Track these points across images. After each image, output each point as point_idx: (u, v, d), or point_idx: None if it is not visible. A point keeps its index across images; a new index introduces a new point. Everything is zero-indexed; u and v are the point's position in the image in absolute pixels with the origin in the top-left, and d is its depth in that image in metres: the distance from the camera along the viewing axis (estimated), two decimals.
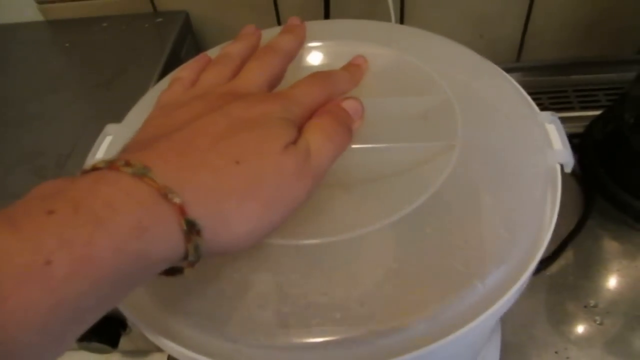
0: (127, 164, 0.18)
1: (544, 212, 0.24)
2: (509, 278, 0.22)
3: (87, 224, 0.16)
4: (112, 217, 0.17)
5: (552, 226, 0.24)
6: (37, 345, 0.15)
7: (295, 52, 0.30)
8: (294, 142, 0.22)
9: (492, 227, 0.23)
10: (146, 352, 0.49)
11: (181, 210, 0.18)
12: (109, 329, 0.43)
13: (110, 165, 0.18)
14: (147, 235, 0.17)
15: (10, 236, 0.15)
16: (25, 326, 0.15)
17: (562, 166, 0.26)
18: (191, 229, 0.18)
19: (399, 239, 0.22)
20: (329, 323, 0.20)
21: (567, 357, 0.42)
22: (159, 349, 0.47)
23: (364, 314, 0.20)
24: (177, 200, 0.18)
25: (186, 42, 0.58)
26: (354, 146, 0.25)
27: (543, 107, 0.30)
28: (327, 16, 0.57)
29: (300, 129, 0.23)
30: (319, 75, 0.26)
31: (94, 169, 0.18)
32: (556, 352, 0.43)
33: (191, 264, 0.19)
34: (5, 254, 0.15)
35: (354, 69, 0.29)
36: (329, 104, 0.25)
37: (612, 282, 0.47)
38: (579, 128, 0.58)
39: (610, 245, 0.50)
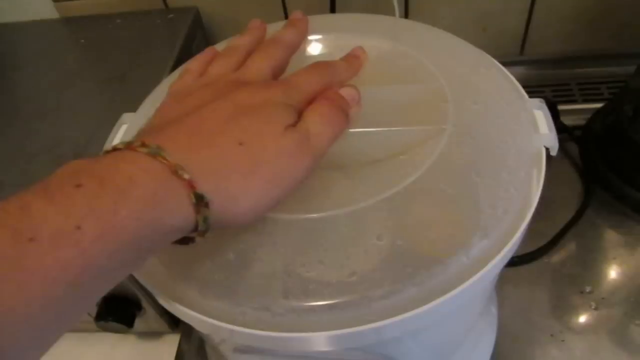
0: (143, 144, 0.20)
1: (528, 191, 0.26)
2: (492, 251, 0.23)
3: (110, 195, 0.18)
4: (131, 190, 0.19)
5: (535, 204, 0.25)
6: (69, 299, 0.18)
7: (298, 44, 0.32)
8: (294, 125, 0.24)
9: (478, 204, 0.24)
10: (159, 334, 0.51)
11: (190, 185, 0.20)
12: (125, 310, 0.45)
13: (128, 146, 0.20)
14: (162, 206, 0.19)
15: (45, 205, 0.17)
16: (60, 282, 0.17)
17: (548, 150, 0.28)
18: (200, 201, 0.20)
19: (389, 214, 0.24)
20: (325, 288, 0.22)
21: (563, 340, 0.44)
22: (171, 331, 0.49)
23: (356, 280, 0.22)
24: (186, 176, 0.20)
25: (197, 37, 0.60)
26: (351, 130, 0.27)
27: (546, 100, 0.31)
28: (332, 10, 0.59)
29: (300, 114, 0.25)
30: (318, 65, 0.28)
31: (114, 149, 0.21)
32: (552, 335, 0.44)
33: (201, 233, 0.21)
34: (42, 219, 0.17)
35: (352, 59, 0.31)
36: (328, 91, 0.27)
37: (608, 270, 0.48)
38: (581, 120, 0.59)
39: (609, 235, 0.51)
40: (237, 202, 0.22)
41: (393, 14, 0.57)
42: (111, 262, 0.18)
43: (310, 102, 0.26)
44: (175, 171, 0.20)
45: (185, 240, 0.22)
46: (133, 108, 0.35)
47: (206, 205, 0.20)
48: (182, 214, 0.20)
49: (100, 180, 0.19)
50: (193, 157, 0.21)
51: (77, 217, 0.17)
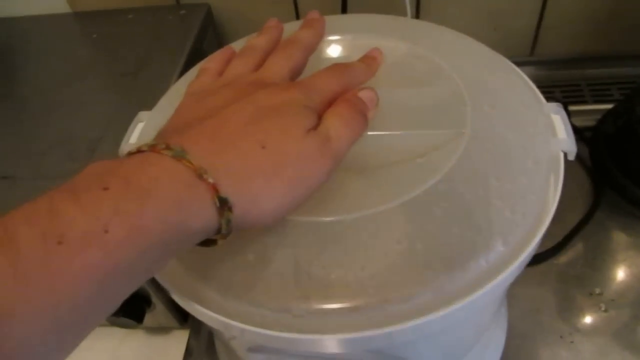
0: (167, 147, 0.20)
1: (546, 196, 0.26)
2: (511, 256, 0.24)
3: (137, 198, 0.18)
4: (157, 193, 0.19)
5: (554, 209, 0.25)
6: (96, 301, 0.18)
7: (316, 45, 0.32)
8: (315, 127, 0.24)
9: (497, 209, 0.24)
10: (168, 329, 0.51)
11: (214, 188, 0.20)
12: (135, 305, 0.45)
13: (152, 148, 0.21)
14: (186, 209, 0.20)
15: (73, 207, 0.18)
16: (88, 283, 0.17)
17: (565, 154, 0.28)
18: (223, 205, 0.20)
19: (409, 218, 0.24)
20: (345, 291, 0.22)
21: (572, 342, 0.44)
22: (180, 327, 0.50)
23: (376, 283, 0.22)
24: (210, 180, 0.20)
25: (208, 33, 0.60)
26: (369, 133, 0.27)
27: (556, 101, 0.31)
28: (344, 9, 0.58)
29: (319, 116, 0.25)
30: (337, 67, 0.28)
31: (139, 151, 0.21)
32: (561, 337, 0.44)
33: (224, 236, 0.21)
34: (70, 221, 0.17)
35: (370, 60, 0.31)
36: (347, 93, 0.27)
37: (618, 272, 0.48)
38: (591, 121, 0.58)
39: (618, 237, 0.51)
40: (259, 204, 0.22)
41: (404, 13, 0.57)
42: (137, 264, 0.18)
43: (328, 103, 0.26)
44: (200, 175, 0.20)
45: (207, 242, 0.22)
46: (145, 103, 0.35)
47: (229, 208, 0.21)
48: (205, 217, 0.20)
49: (126, 183, 0.19)
50: (216, 160, 0.21)
51: (105, 219, 0.18)
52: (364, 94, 0.27)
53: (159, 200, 0.19)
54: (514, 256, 0.23)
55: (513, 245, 0.24)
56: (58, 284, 0.17)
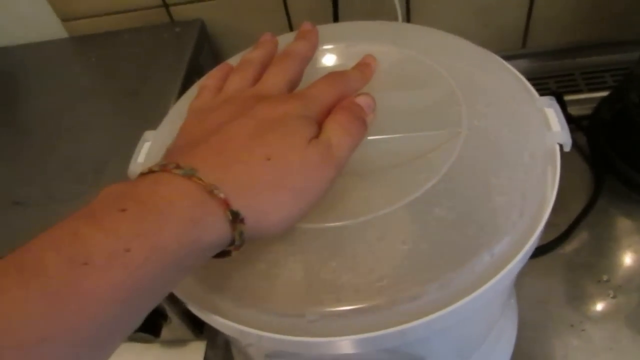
0: (177, 166, 0.21)
1: (545, 188, 0.27)
2: (515, 248, 0.24)
3: (153, 218, 0.19)
4: (171, 212, 0.20)
5: (552, 201, 0.26)
6: (121, 318, 0.19)
7: (311, 55, 0.33)
8: (316, 137, 0.25)
9: (497, 204, 0.25)
10: (185, 342, 0.52)
11: (226, 203, 0.21)
12: (151, 320, 0.46)
13: (163, 168, 0.21)
14: (200, 226, 0.20)
15: (95, 230, 0.19)
16: (114, 302, 0.18)
17: (561, 146, 0.29)
18: (235, 218, 0.21)
19: (412, 219, 0.25)
20: (356, 294, 0.23)
21: (583, 330, 0.44)
22: (197, 338, 0.50)
23: (386, 284, 0.23)
24: (221, 195, 0.21)
25: (204, 48, 0.61)
26: (368, 138, 0.27)
27: (551, 91, 0.31)
28: (336, 17, 0.59)
29: (319, 124, 0.26)
30: (333, 75, 0.29)
31: (150, 171, 0.22)
32: (572, 326, 0.45)
33: (237, 247, 0.22)
34: (94, 244, 0.18)
35: (364, 67, 0.32)
36: (344, 100, 0.27)
37: (624, 257, 0.49)
38: (587, 110, 0.59)
39: (622, 223, 0.51)
40: (268, 216, 0.22)
41: (395, 16, 0.58)
42: (157, 281, 0.19)
43: (327, 112, 0.27)
44: (211, 191, 0.21)
45: (221, 254, 0.23)
46: (148, 121, 0.36)
47: (241, 221, 0.21)
48: (219, 231, 0.21)
49: (142, 204, 0.20)
50: (225, 176, 0.22)
51: (125, 240, 0.19)
52: (361, 100, 0.28)
53: (174, 219, 0.20)
54: (517, 249, 0.24)
55: (516, 238, 0.24)
56: (87, 304, 0.18)
